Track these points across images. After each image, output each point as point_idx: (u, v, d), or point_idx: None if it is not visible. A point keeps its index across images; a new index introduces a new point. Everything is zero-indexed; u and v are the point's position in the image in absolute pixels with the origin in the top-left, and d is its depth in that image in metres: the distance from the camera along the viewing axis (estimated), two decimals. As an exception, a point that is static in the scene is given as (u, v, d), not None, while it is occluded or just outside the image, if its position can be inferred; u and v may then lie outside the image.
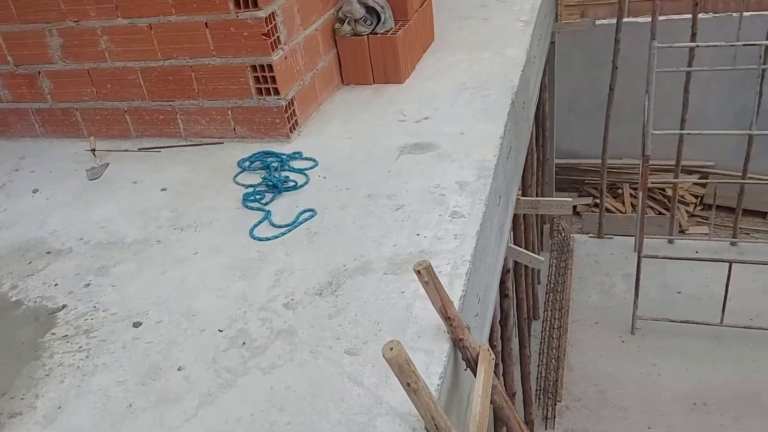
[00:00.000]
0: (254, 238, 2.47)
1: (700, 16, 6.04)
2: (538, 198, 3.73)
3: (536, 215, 6.32)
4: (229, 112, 3.17)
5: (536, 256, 3.30)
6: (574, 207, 8.42)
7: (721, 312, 5.56)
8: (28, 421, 1.78)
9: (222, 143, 3.24)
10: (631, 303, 5.97)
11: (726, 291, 5.41)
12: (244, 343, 1.96)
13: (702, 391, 5.34)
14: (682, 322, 5.82)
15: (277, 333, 1.99)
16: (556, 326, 6.06)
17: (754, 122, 4.87)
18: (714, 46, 4.46)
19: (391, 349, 1.53)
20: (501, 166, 2.89)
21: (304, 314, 2.06)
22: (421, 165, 2.80)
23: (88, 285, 2.31)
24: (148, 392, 1.82)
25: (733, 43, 4.40)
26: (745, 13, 5.81)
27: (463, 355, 1.91)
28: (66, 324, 2.13)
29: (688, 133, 5.34)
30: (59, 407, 1.81)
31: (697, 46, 4.69)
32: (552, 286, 6.52)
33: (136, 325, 2.09)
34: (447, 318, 1.84)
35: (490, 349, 1.93)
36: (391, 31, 3.58)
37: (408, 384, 1.53)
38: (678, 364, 5.64)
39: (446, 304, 1.83)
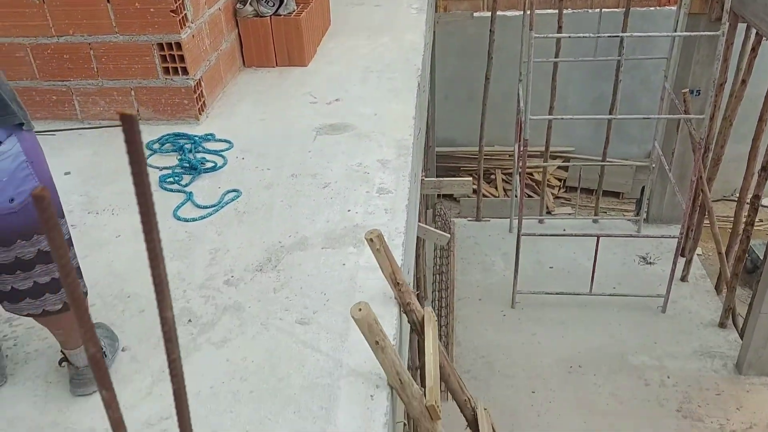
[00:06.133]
0: (179, 219, 2.41)
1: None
2: (440, 179, 3.93)
3: (423, 200, 6.55)
4: (133, 93, 3.03)
5: (442, 233, 3.48)
6: (452, 193, 8.83)
7: (589, 283, 6.11)
8: (-42, 417, 1.64)
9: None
10: (510, 279, 6.40)
11: (594, 263, 5.95)
12: (189, 321, 1.93)
13: (577, 354, 5.85)
14: (556, 293, 6.33)
15: (223, 309, 1.97)
16: (443, 305, 6.36)
17: (616, 108, 5.39)
18: (584, 37, 4.89)
19: (360, 309, 1.59)
20: (414, 145, 3.01)
21: (247, 290, 2.05)
22: (340, 145, 2.85)
23: (0, 273, 2.14)
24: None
25: (600, 35, 4.85)
26: (603, 10, 6.41)
27: (410, 318, 2.00)
28: (-17, 314, 1.96)
29: (562, 118, 5.81)
30: (-8, 400, 1.68)
31: (569, 36, 5.11)
32: (438, 267, 6.82)
33: (66, 310, 1.97)
34: (396, 283, 1.93)
35: (433, 312, 2.04)
36: (294, 13, 3.58)
37: (376, 342, 1.60)
38: (555, 331, 6.14)
39: (395, 270, 1.91)
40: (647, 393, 5.28)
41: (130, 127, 0.42)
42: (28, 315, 1.55)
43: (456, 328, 6.47)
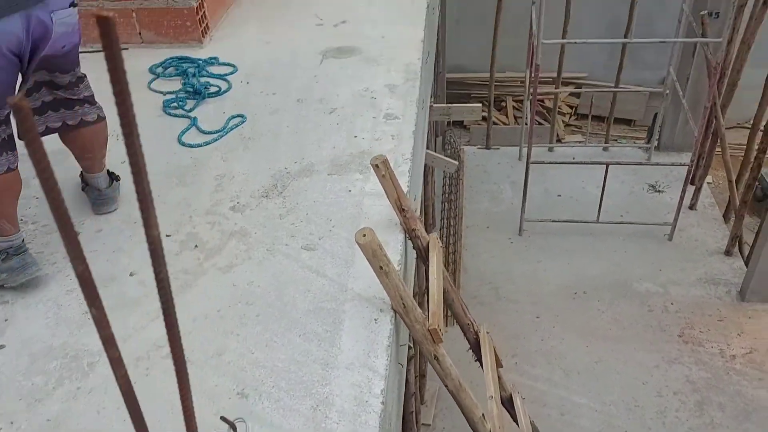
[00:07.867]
0: (184, 145, 2.40)
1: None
2: (449, 105, 3.86)
3: (432, 128, 6.47)
4: (134, 15, 2.95)
5: (451, 160, 3.45)
6: (462, 121, 8.71)
7: (597, 211, 6.10)
8: (-25, 337, 1.69)
9: (127, 49, 3.03)
10: (518, 207, 6.39)
11: (602, 191, 5.92)
12: (196, 246, 1.95)
13: (581, 281, 5.92)
14: (563, 221, 6.34)
15: (229, 234, 1.99)
16: (452, 232, 6.40)
17: (632, 32, 5.23)
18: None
19: (364, 235, 1.59)
20: (423, 69, 2.94)
21: (253, 216, 2.06)
22: (347, 69, 2.79)
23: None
24: (103, 298, 1.77)
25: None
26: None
27: (415, 245, 2.01)
28: (-7, 238, 1.99)
29: (575, 43, 5.64)
30: (6, 320, 1.73)
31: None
32: (447, 196, 6.82)
33: (75, 235, 1.99)
34: (401, 210, 1.93)
35: (438, 238, 2.05)
36: (299, -70, 3.43)
37: (380, 267, 1.62)
38: (560, 259, 6.18)
39: (401, 196, 1.91)
40: (650, 318, 5.36)
41: (106, 29, 0.41)
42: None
43: (463, 255, 6.53)
